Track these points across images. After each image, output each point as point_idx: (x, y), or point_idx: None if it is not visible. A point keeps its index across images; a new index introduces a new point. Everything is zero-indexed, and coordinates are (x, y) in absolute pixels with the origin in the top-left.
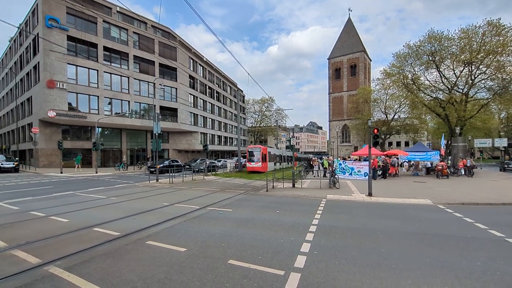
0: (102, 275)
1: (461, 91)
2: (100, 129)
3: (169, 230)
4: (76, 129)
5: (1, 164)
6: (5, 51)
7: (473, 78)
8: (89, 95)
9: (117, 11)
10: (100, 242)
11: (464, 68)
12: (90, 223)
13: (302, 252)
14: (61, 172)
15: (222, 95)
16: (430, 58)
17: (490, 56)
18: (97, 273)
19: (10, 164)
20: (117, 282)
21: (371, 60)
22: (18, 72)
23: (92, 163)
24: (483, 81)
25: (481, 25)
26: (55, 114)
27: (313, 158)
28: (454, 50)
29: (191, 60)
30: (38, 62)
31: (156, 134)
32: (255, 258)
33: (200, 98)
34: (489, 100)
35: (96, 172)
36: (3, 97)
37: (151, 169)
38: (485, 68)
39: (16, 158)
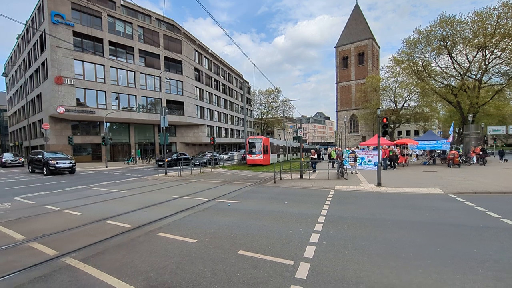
0: (117, 266)
1: (474, 77)
2: (108, 124)
3: (180, 222)
4: (85, 124)
5: (56, 163)
6: (14, 48)
7: (487, 63)
8: (97, 90)
9: (121, 5)
10: (113, 234)
11: (477, 52)
12: (103, 216)
13: (311, 243)
14: None
15: (228, 87)
16: (442, 44)
17: (506, 40)
18: (111, 264)
19: (66, 163)
20: (131, 273)
21: (379, 48)
22: (27, 69)
23: (102, 157)
24: (497, 66)
25: (496, 7)
26: (64, 110)
27: (312, 150)
28: (467, 34)
29: (196, 53)
30: (46, 59)
31: (164, 128)
32: (264, 248)
33: (206, 91)
34: (504, 85)
35: (106, 167)
36: (13, 94)
37: (159, 163)
38: (500, 52)
39: (69, 156)
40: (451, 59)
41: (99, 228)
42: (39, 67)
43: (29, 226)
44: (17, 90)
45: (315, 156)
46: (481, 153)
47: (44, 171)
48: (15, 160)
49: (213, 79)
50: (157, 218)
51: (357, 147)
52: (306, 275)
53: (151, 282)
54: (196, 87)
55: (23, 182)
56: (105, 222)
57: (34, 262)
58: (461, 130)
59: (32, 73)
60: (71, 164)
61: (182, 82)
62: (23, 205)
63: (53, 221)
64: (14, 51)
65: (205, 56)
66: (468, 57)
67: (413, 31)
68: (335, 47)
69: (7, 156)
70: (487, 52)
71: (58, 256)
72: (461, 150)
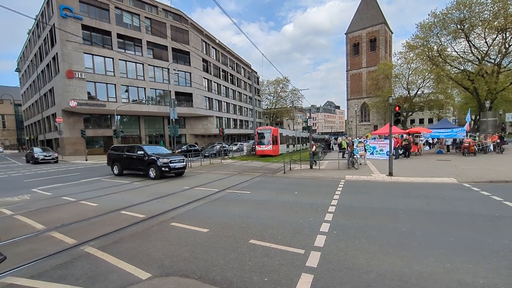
0: (133, 254)
1: (493, 61)
2: (119, 116)
3: (191, 212)
4: (97, 117)
5: (170, 163)
6: (25, 43)
7: (507, 46)
8: (107, 83)
9: None
10: (128, 224)
11: (497, 35)
12: (117, 206)
13: (322, 232)
14: (86, 160)
15: (236, 78)
16: (459, 27)
17: None
18: (127, 252)
19: (180, 162)
20: (146, 260)
21: (392, 33)
22: (38, 64)
23: None
24: None
25: None
26: (76, 103)
27: (311, 142)
28: (486, 16)
29: (204, 43)
30: (56, 53)
31: (173, 119)
32: (275, 238)
33: (214, 82)
34: None
35: None
36: (27, 89)
37: None
38: None
39: (172, 150)
40: (468, 43)
41: (115, 218)
42: (50, 61)
43: (48, 216)
44: (30, 85)
45: (314, 149)
46: (498, 140)
47: (151, 174)
48: (49, 156)
49: (221, 69)
50: (169, 209)
51: (367, 136)
52: (317, 263)
53: (166, 269)
54: (204, 78)
55: (40, 175)
56: (120, 213)
57: (55, 250)
58: (477, 117)
59: (44, 68)
60: (185, 163)
61: (190, 73)
62: (41, 197)
63: (70, 211)
64: (26, 46)
65: (212, 47)
66: (487, 40)
67: (428, 14)
68: (345, 34)
69: (39, 152)
70: (507, 35)
71: (77, 244)
72: (477, 138)
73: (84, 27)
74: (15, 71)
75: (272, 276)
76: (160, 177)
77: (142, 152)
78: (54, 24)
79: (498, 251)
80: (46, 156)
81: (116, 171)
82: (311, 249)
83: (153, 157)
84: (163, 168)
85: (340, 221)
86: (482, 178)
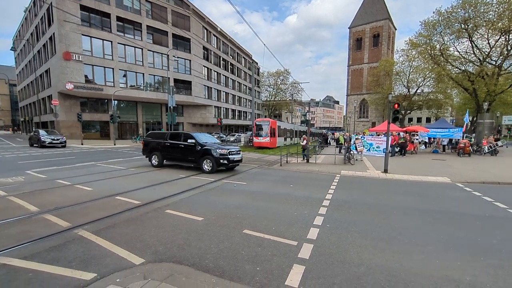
0: (127, 239)
1: (494, 63)
2: (116, 101)
3: (187, 200)
4: (93, 101)
5: (229, 154)
6: (21, 22)
7: (509, 48)
8: (104, 67)
9: None
10: (122, 209)
11: (500, 37)
12: (113, 192)
13: (315, 225)
14: (82, 144)
15: (236, 68)
16: (463, 26)
17: None
18: (121, 237)
19: (238, 154)
20: (140, 246)
21: (396, 29)
22: (35, 43)
23: (110, 135)
24: None
25: None
26: (72, 86)
27: (304, 136)
28: (491, 16)
29: (205, 30)
30: (54, 33)
31: (171, 107)
32: (269, 229)
33: (214, 71)
34: None
35: (115, 144)
36: (22, 69)
37: None
38: None
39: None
40: (471, 43)
41: (109, 203)
42: (47, 41)
43: (42, 198)
44: (26, 65)
45: (304, 143)
46: (498, 143)
47: (205, 167)
48: (57, 140)
49: (221, 58)
50: (165, 196)
51: (364, 133)
52: (309, 255)
53: (160, 255)
54: (204, 66)
55: (35, 157)
56: (115, 198)
57: (48, 233)
58: (475, 118)
59: (40, 48)
60: (241, 156)
61: (190, 61)
62: (36, 179)
63: (64, 194)
64: (22, 25)
65: (214, 34)
66: (489, 41)
67: (433, 12)
68: (349, 28)
69: (45, 135)
70: (510, 37)
71: (71, 228)
72: (472, 140)
73: (83, 7)
74: (11, 49)
75: (264, 265)
76: (216, 170)
77: (193, 141)
78: (51, 3)
79: (487, 250)
80: (54, 139)
81: (155, 162)
82: (304, 241)
83: (207, 147)
84: (221, 161)
85: (334, 215)
86: (475, 179)
